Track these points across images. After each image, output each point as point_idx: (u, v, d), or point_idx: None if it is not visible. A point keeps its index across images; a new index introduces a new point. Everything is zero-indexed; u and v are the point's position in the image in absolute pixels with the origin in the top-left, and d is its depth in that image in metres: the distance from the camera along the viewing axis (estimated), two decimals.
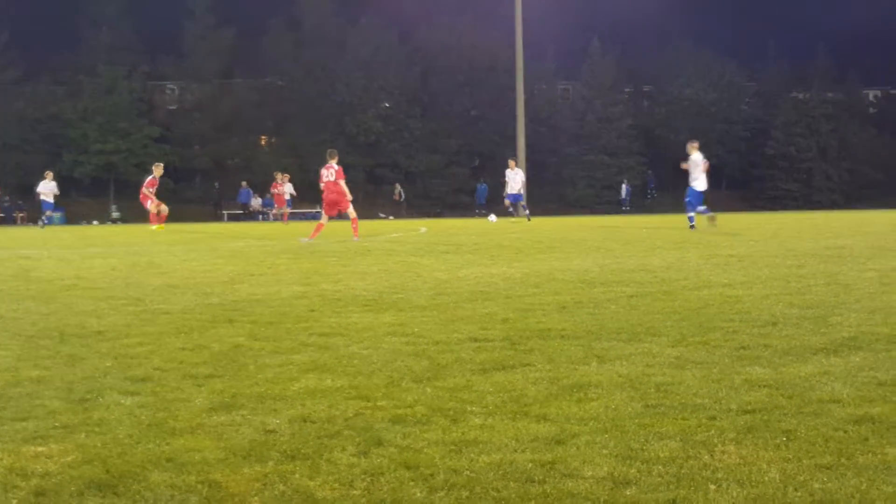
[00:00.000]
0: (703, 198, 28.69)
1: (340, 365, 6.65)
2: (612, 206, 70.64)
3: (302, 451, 4.53)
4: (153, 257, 18.35)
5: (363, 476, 4.16)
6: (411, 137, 71.57)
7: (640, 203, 72.55)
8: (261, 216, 64.03)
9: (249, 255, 19.03)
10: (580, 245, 20.80)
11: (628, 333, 7.82)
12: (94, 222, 58.48)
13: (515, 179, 42.51)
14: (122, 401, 5.62)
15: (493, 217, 42.52)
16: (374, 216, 55.79)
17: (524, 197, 44.51)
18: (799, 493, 3.83)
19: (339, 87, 70.49)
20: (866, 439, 4.58)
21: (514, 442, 4.66)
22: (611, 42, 76.23)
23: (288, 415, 5.21)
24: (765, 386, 5.75)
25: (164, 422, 5.11)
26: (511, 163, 43.60)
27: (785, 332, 7.71)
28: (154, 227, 35.13)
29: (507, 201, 43.75)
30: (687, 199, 28.59)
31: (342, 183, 25.13)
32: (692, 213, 28.06)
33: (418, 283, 12.36)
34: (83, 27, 69.13)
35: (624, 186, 72.96)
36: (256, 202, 66.88)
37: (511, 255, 17.67)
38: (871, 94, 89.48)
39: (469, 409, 5.32)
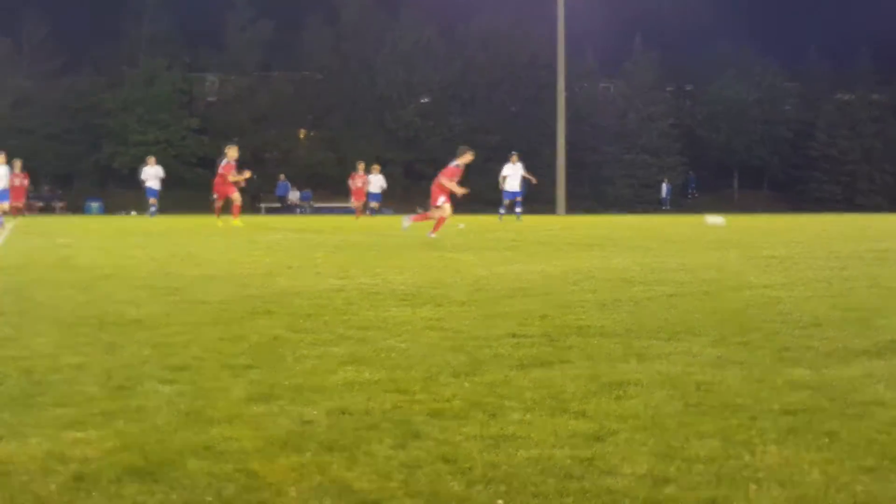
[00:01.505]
0: None
1: (378, 358, 6.64)
2: (652, 205, 70.40)
3: (339, 442, 4.52)
4: (191, 248, 18.44)
5: (401, 468, 4.14)
6: (450, 133, 71.54)
7: (681, 203, 72.26)
8: (298, 209, 64.25)
9: (288, 247, 19.09)
10: (619, 243, 20.74)
11: (668, 332, 7.77)
12: (133, 213, 58.86)
13: (516, 175, 41.46)
14: (161, 389, 5.63)
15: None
16: (412, 211, 55.83)
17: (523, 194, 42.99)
18: (841, 495, 3.78)
19: (379, 82, 70.65)
20: None
21: (552, 438, 4.63)
22: (653, 40, 75.94)
23: (326, 406, 5.20)
24: (807, 387, 5.69)
25: (201, 410, 5.11)
26: (513, 157, 42.49)
27: (827, 334, 7.64)
28: (235, 220, 30.27)
29: (506, 200, 42.26)
30: None
31: (446, 181, 24.28)
32: None
33: (457, 279, 12.34)
34: (125, 18, 69.68)
35: (664, 186, 72.70)
36: (294, 195, 67.12)
37: (550, 253, 17.63)
38: None
39: (507, 404, 5.30)
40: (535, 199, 66.65)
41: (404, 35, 71.76)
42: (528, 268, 14.19)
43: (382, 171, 47.36)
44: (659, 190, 72.98)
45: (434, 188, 23.68)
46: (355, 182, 46.29)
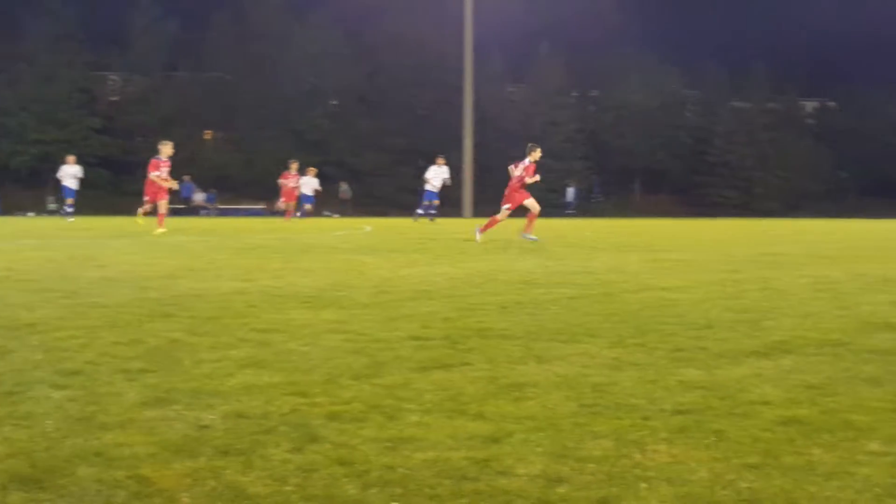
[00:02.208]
0: None
1: (278, 361, 6.62)
2: (557, 209, 70.91)
3: (235, 446, 4.50)
4: (91, 250, 18.16)
5: (297, 472, 4.14)
6: (358, 136, 71.44)
7: (585, 207, 72.96)
8: (202, 211, 63.59)
9: (191, 249, 18.91)
10: (523, 246, 20.89)
11: (567, 334, 7.87)
12: (30, 214, 57.74)
13: (439, 177, 41.67)
14: (52, 394, 5.54)
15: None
16: (319, 214, 55.59)
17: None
18: (726, 492, 3.88)
19: (286, 84, 70.24)
20: (793, 440, 4.65)
21: (449, 440, 4.66)
22: (559, 46, 76.59)
23: (223, 410, 5.18)
24: (698, 387, 5.82)
25: (93, 416, 5.05)
26: (439, 160, 42.72)
27: (720, 336, 7.82)
28: (159, 228, 27.22)
29: (426, 201, 42.53)
30: None
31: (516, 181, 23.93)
32: None
33: (361, 281, 12.35)
34: (25, 15, 68.34)
35: (570, 190, 73.31)
36: (199, 197, 66.42)
37: (455, 256, 17.70)
38: (809, 106, 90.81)
39: (406, 406, 5.32)
40: (442, 201, 66.84)
41: (312, 37, 71.44)
42: (432, 270, 14.24)
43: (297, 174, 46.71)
44: (564, 194, 73.55)
45: (509, 190, 23.79)
46: (287, 182, 44.94)
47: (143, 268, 14.22)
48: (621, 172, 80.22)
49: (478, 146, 64.86)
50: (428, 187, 42.11)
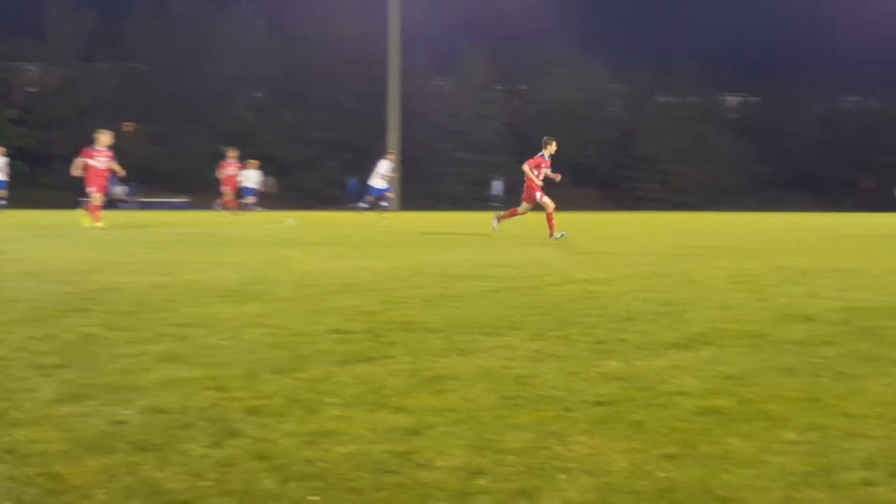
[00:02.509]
0: None
1: (198, 356, 6.55)
2: (482, 202, 71.13)
3: (152, 442, 4.44)
4: (7, 244, 17.87)
5: (214, 467, 4.10)
6: (282, 129, 70.98)
7: (512, 200, 73.21)
8: (123, 204, 62.78)
9: (111, 243, 18.67)
10: (449, 240, 20.93)
11: (490, 327, 7.88)
12: None
13: (388, 173, 41.92)
14: None
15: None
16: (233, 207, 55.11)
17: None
18: (644, 482, 3.90)
19: (209, 76, 69.57)
20: (710, 430, 4.70)
21: (370, 433, 4.65)
22: (485, 40, 76.72)
23: (140, 406, 5.11)
24: (618, 379, 5.86)
25: (5, 412, 4.95)
26: (390, 155, 42.92)
27: (640, 328, 7.88)
28: (92, 220, 26.19)
29: (373, 196, 42.62)
30: None
31: (528, 170, 23.63)
32: None
33: (284, 275, 12.28)
34: None
35: (496, 183, 73.57)
36: (119, 190, 65.54)
37: (379, 249, 17.68)
38: (732, 101, 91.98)
39: (327, 400, 5.30)
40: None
41: (235, 29, 70.83)
42: (356, 264, 14.21)
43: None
44: (490, 187, 73.80)
45: (528, 182, 23.43)
46: (226, 170, 43.78)
47: (61, 262, 14.02)
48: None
49: (405, 140, 64.81)
50: (376, 182, 42.27)
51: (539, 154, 22.69)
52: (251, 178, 45.34)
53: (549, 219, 22.40)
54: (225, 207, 44.17)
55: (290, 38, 73.48)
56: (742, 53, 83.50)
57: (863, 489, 3.85)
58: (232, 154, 44.12)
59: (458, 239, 21.39)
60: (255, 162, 46.37)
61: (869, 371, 6.18)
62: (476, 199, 72.16)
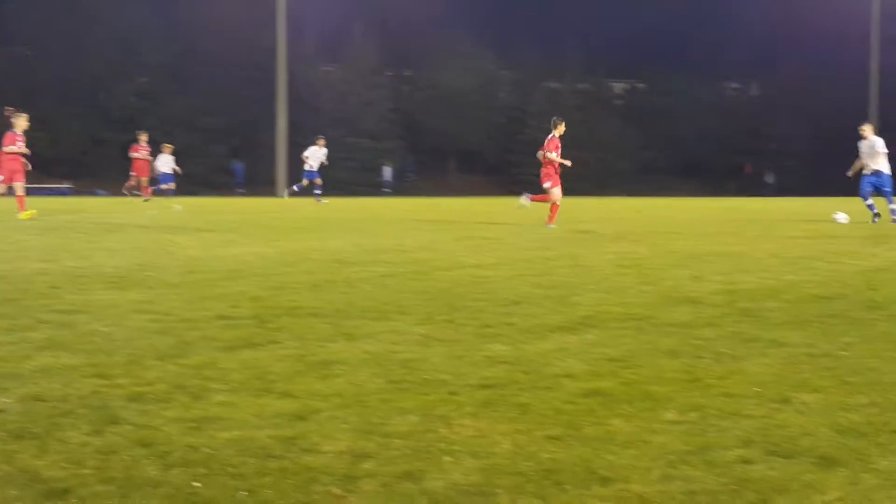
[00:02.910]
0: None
1: (80, 343, 6.44)
2: (373, 188, 70.99)
3: (31, 430, 4.36)
4: None
5: (95, 455, 4.04)
6: (169, 114, 69.88)
7: (401, 187, 73.27)
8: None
9: None
10: (337, 225, 20.88)
11: (378, 312, 7.89)
12: None
13: (316, 157, 41.70)
14: None
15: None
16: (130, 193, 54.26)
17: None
18: (528, 463, 3.94)
19: (94, 60, 68.15)
20: (594, 411, 4.77)
21: (255, 418, 4.62)
22: (374, 25, 76.42)
23: (19, 393, 5.01)
24: (504, 362, 5.91)
25: None
26: (320, 140, 42.30)
27: (527, 311, 7.96)
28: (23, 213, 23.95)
29: (305, 180, 42.51)
30: (875, 188, 24.25)
31: (550, 154, 23.00)
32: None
33: (170, 261, 12.13)
34: None
35: (386, 169, 73.52)
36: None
37: (267, 235, 17.56)
38: (618, 87, 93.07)
39: (212, 386, 5.25)
40: (256, 181, 66.13)
41: (121, 14, 69.46)
42: (244, 250, 14.09)
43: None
44: (381, 173, 73.71)
45: (545, 169, 22.78)
46: (140, 153, 40.79)
47: None
48: (436, 152, 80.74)
49: (293, 126, 64.31)
50: (306, 167, 41.98)
51: (552, 136, 22.25)
52: (167, 162, 43.60)
53: (553, 210, 22.08)
54: (132, 193, 42.03)
55: (178, 22, 72.33)
56: (629, 39, 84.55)
57: (740, 467, 3.94)
58: (143, 138, 41.69)
59: (347, 224, 21.33)
60: (168, 146, 44.84)
61: (749, 352, 6.32)
62: (366, 185, 71.97)
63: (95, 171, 64.60)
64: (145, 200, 37.63)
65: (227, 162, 69.78)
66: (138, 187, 41.10)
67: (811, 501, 3.52)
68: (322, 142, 42.38)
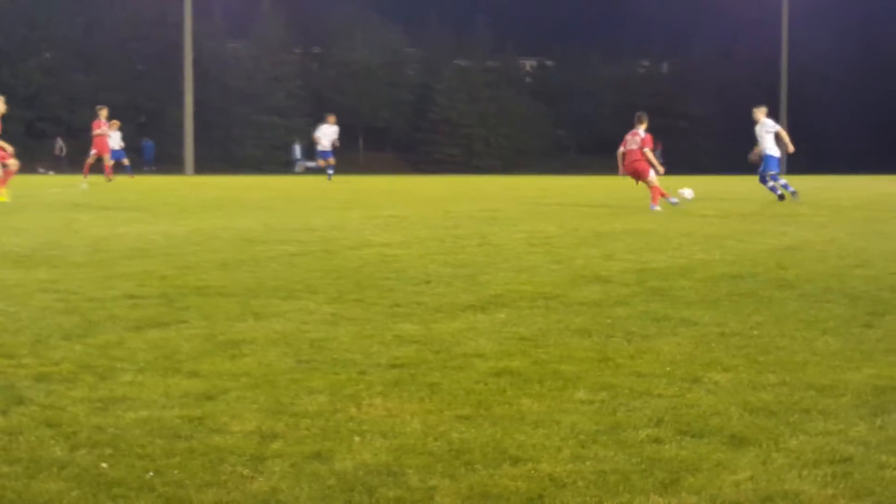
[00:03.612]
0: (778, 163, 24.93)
1: None
2: (282, 166, 70.48)
3: None
4: None
5: (1, 435, 3.98)
6: (74, 91, 68.62)
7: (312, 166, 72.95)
8: None
9: None
10: (246, 204, 20.72)
11: (286, 291, 7.86)
12: None
13: (328, 136, 40.19)
14: None
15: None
16: (33, 171, 53.21)
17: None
18: (438, 443, 3.96)
19: None
20: (504, 391, 4.80)
21: (163, 398, 4.59)
22: (281, 1, 75.82)
23: None
24: (414, 342, 5.93)
25: None
26: (330, 118, 41.14)
27: (437, 291, 7.98)
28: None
29: (321, 159, 41.57)
30: (762, 170, 24.50)
31: (648, 152, 21.71)
32: (773, 184, 24.21)
33: (76, 240, 11.95)
34: None
35: (296, 147, 73.11)
36: None
37: (175, 214, 17.38)
38: (528, 65, 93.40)
39: (119, 366, 5.21)
40: (163, 159, 65.29)
41: None
42: (151, 228, 13.93)
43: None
44: (291, 151, 73.30)
45: (638, 164, 21.63)
46: (101, 129, 36.69)
47: None
48: (345, 130, 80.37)
49: (200, 103, 63.50)
50: (319, 147, 40.78)
51: (642, 132, 21.64)
52: (116, 139, 41.59)
53: (655, 191, 21.60)
54: (88, 172, 36.45)
55: None
56: (538, 17, 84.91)
57: (651, 446, 3.99)
58: (104, 113, 37.68)
59: (255, 203, 21.18)
60: (116, 122, 43.01)
61: (659, 331, 6.41)
62: (274, 163, 71.46)
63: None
64: (109, 181, 35.31)
65: (135, 140, 68.69)
66: (100, 167, 37.27)
67: (722, 481, 3.56)
68: (332, 118, 40.90)
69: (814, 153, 76.84)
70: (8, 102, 25.45)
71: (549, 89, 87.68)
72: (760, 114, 24.83)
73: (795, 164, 71.58)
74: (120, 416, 4.30)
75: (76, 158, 66.06)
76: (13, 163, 22.72)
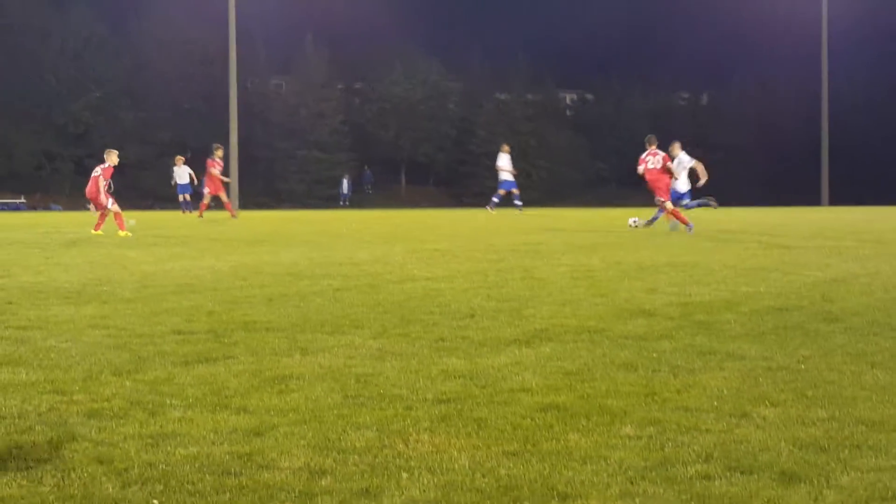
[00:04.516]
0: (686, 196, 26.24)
1: (37, 358, 6.42)
2: (324, 201, 70.76)
3: None
4: None
5: (53, 472, 4.04)
6: (122, 129, 69.39)
7: (357, 199, 73.16)
8: None
9: None
10: (290, 238, 20.82)
11: (332, 326, 7.90)
12: None
13: (509, 165, 40.00)
14: None
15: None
16: (80, 208, 53.73)
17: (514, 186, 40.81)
18: (486, 479, 3.98)
19: (47, 77, 67.69)
20: (551, 426, 4.80)
21: (212, 434, 4.64)
22: (323, 38, 76.39)
23: None
24: (460, 376, 5.94)
25: None
26: (505, 147, 40.98)
27: (482, 324, 7.99)
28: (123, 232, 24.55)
29: (506, 189, 40.38)
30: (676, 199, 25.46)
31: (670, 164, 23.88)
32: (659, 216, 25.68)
33: (124, 276, 12.06)
34: None
35: (344, 181, 73.52)
36: None
37: (220, 248, 17.48)
38: (568, 98, 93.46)
39: (169, 402, 5.26)
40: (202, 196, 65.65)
41: (74, 30, 69.01)
42: (197, 263, 14.03)
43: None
44: (340, 185, 73.70)
45: (659, 182, 23.46)
46: (216, 168, 35.82)
47: None
48: (387, 164, 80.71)
49: (244, 138, 64.03)
50: (502, 177, 40.28)
51: (660, 151, 23.87)
52: (183, 174, 41.74)
53: (674, 213, 23.53)
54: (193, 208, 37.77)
55: (131, 38, 71.93)
56: (577, 49, 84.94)
57: (700, 482, 3.97)
58: (219, 153, 37.28)
59: (300, 237, 21.28)
60: (181, 158, 43.23)
61: (705, 365, 6.37)
62: (317, 197, 71.80)
63: (49, 187, 64.47)
64: (234, 217, 34.11)
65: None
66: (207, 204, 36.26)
67: None
68: (507, 148, 40.84)
69: (856, 183, 76.43)
70: (58, 141, 26.24)
71: (588, 122, 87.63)
72: (677, 149, 25.65)
73: (837, 195, 71.42)
74: (170, 452, 4.35)
75: (125, 194, 66.70)
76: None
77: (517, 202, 40.39)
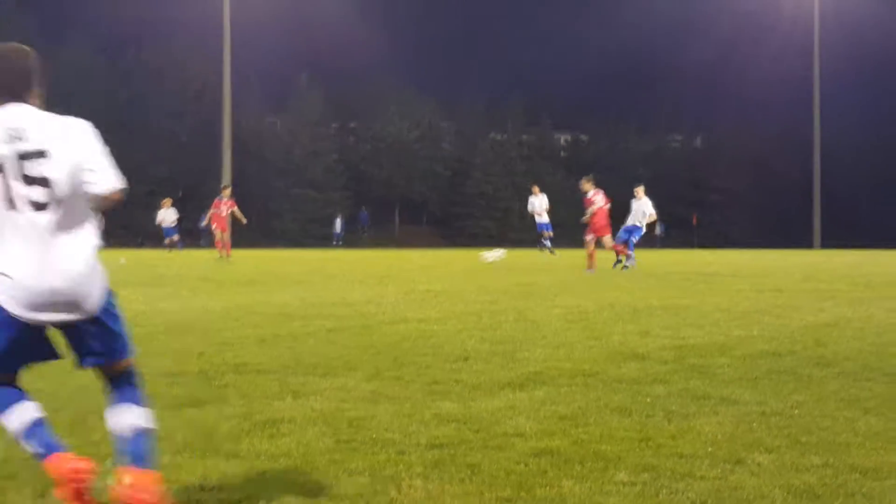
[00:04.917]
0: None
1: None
2: (318, 240, 70.77)
3: None
4: None
5: None
6: (114, 164, 69.50)
7: (350, 239, 73.09)
8: None
9: None
10: (283, 278, 20.77)
11: (325, 368, 7.84)
12: None
13: (543, 205, 40.34)
14: None
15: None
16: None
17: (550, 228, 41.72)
18: None
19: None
20: (545, 472, 4.75)
21: (201, 480, 4.57)
22: (318, 77, 76.80)
23: None
24: (453, 420, 5.88)
25: None
26: (535, 188, 41.59)
27: (475, 368, 7.93)
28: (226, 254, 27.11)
29: (542, 231, 41.22)
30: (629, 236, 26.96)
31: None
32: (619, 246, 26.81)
33: None
34: None
35: (338, 221, 73.49)
36: None
37: (212, 288, 17.43)
38: (562, 139, 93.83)
39: (158, 446, 5.17)
40: (200, 233, 65.66)
41: (68, 63, 69.20)
42: (188, 304, 13.98)
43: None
44: (333, 224, 73.66)
45: (602, 222, 25.58)
46: (220, 210, 35.50)
47: None
48: (380, 203, 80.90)
49: (238, 176, 64.10)
50: (538, 219, 41.05)
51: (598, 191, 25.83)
52: (170, 216, 42.18)
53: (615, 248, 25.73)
54: (215, 247, 36.45)
55: (125, 73, 72.21)
56: (571, 91, 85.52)
57: None
58: (227, 192, 37.17)
59: (293, 277, 21.24)
60: (168, 200, 43.58)
61: (699, 409, 6.32)
62: (311, 236, 71.82)
63: None
64: (224, 257, 33.20)
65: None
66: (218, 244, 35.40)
67: None
68: (537, 188, 41.42)
69: (847, 227, 76.64)
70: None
71: (583, 163, 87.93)
72: (641, 192, 27.64)
73: (829, 238, 71.52)
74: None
75: (115, 233, 66.73)
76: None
77: (546, 242, 40.77)
